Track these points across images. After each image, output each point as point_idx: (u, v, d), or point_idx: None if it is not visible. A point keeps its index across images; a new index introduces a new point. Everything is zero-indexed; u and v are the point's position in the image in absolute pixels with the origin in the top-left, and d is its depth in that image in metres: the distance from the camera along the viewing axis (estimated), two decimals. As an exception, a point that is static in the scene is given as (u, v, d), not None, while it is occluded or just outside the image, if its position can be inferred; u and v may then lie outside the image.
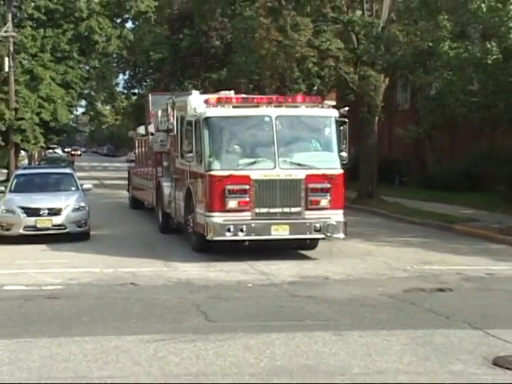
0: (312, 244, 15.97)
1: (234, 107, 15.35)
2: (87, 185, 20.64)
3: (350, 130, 15.80)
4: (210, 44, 45.79)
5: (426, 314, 10.33)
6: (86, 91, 49.48)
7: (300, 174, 14.73)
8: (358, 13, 29.83)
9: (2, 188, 20.29)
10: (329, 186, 14.87)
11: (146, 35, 47.76)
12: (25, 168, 26.16)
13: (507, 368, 7.76)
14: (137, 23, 51.42)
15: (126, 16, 48.22)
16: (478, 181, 29.02)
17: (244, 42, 32.56)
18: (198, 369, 7.74)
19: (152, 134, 21.63)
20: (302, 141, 15.66)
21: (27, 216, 17.74)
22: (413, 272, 13.84)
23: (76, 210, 18.26)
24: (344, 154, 15.43)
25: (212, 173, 14.64)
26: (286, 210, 14.64)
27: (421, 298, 11.35)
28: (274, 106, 15.44)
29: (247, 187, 14.50)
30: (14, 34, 39.29)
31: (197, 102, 15.98)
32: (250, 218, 14.53)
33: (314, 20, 29.76)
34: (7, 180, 30.86)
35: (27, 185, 19.55)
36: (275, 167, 14.68)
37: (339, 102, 29.33)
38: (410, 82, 30.06)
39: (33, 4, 43.07)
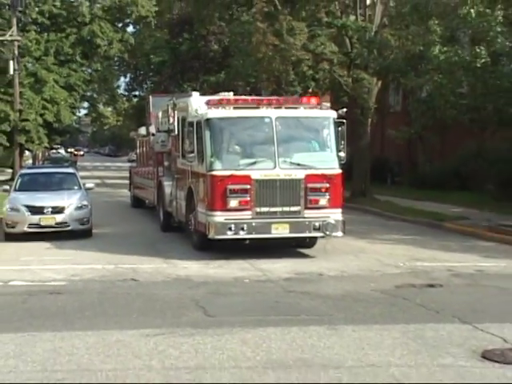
0: (311, 242, 15.90)
1: (234, 108, 15.26)
2: (89, 184, 20.62)
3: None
4: (209, 48, 45.81)
5: (417, 309, 10.34)
6: (88, 93, 49.45)
7: (299, 174, 14.65)
8: (352, 18, 29.82)
9: (7, 187, 20.34)
10: (327, 185, 14.78)
11: (147, 39, 47.79)
12: (29, 168, 26.19)
13: (495, 361, 7.77)
14: (137, 27, 51.39)
15: (127, 21, 48.14)
16: (467, 180, 29.06)
17: (241, 46, 32.62)
18: (196, 362, 7.75)
19: (153, 135, 21.56)
20: (302, 141, 15.59)
21: (31, 214, 17.72)
22: (404, 268, 13.85)
23: (79, 208, 18.25)
24: (342, 154, 15.38)
25: (213, 173, 14.54)
26: (286, 209, 14.56)
27: (412, 294, 11.35)
28: (274, 108, 15.37)
29: (248, 187, 14.40)
30: (19, 38, 39.22)
31: (198, 104, 15.88)
32: (250, 217, 14.44)
33: (309, 25, 29.78)
34: (12, 179, 30.80)
35: (31, 184, 19.51)
36: (275, 167, 14.60)
37: (333, 105, 29.29)
38: (402, 84, 30.03)
39: (37, 9, 43.00)
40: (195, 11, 39.25)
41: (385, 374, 7.35)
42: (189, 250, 15.93)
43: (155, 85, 50.79)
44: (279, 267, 13.78)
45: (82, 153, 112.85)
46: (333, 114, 15.60)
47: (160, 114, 20.49)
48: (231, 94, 17.90)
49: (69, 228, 17.98)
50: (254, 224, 14.43)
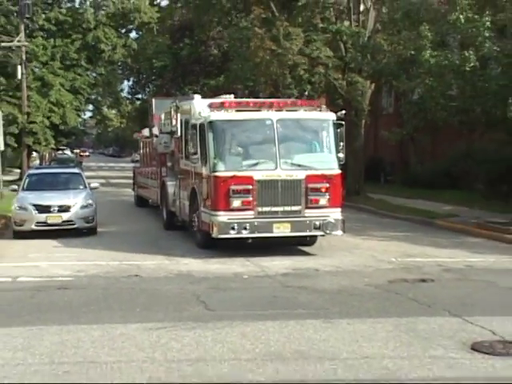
0: (311, 241, 15.82)
1: (236, 111, 15.13)
2: (94, 184, 20.58)
3: (339, 132, 15.73)
4: (209, 52, 45.75)
5: (410, 303, 10.34)
6: (93, 96, 49.44)
7: (300, 175, 14.57)
8: (346, 23, 29.86)
9: (16, 187, 20.32)
10: (327, 185, 14.69)
11: (149, 44, 47.70)
12: (36, 168, 26.11)
13: (484, 352, 7.78)
14: (140, 33, 51.33)
15: (131, 26, 48.15)
16: (457, 179, 29.04)
17: (240, 51, 32.56)
18: (198, 354, 7.75)
19: (156, 136, 21.44)
20: (302, 143, 15.49)
21: (39, 213, 17.72)
22: (397, 264, 13.85)
23: (84, 207, 18.25)
24: (341, 154, 15.33)
25: (217, 174, 14.44)
26: (287, 208, 14.49)
27: (404, 288, 11.35)
28: (275, 110, 15.25)
29: (250, 187, 14.32)
30: (26, 43, 39.22)
31: (201, 106, 15.69)
32: (253, 216, 14.36)
33: (305, 30, 29.81)
34: (20, 179, 30.76)
35: (39, 183, 19.50)
36: (277, 168, 14.51)
37: (328, 107, 29.27)
38: (394, 87, 30.05)
39: (44, 16, 43.04)
40: (196, 17, 39.23)
41: (378, 365, 7.36)
42: (191, 247, 15.90)
43: (157, 88, 50.70)
44: (277, 263, 13.77)
45: (87, 154, 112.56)
46: (332, 117, 15.50)
47: (163, 116, 20.42)
48: (232, 96, 17.83)
49: (74, 226, 17.99)
50: (256, 223, 14.35)
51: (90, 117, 65.91)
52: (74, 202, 18.17)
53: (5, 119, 32.93)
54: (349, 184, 28.82)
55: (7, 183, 29.23)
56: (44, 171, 22.29)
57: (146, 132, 25.47)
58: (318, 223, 14.58)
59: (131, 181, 29.63)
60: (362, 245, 16.43)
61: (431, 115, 21.98)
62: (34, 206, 17.82)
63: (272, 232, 14.53)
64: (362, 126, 29.52)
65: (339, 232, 14.89)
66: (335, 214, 14.80)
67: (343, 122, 15.68)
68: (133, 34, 50.54)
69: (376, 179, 35.86)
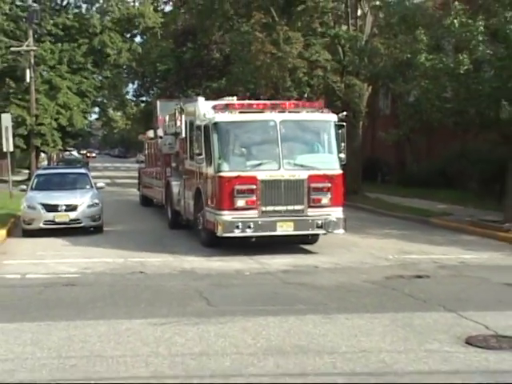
0: (313, 239, 15.77)
1: (240, 113, 15.04)
2: (100, 183, 20.58)
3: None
4: (211, 56, 45.72)
5: (406, 299, 10.34)
6: (99, 99, 49.51)
7: (303, 175, 14.50)
8: (344, 28, 29.86)
9: (24, 187, 20.37)
10: (329, 185, 14.63)
11: (153, 48, 47.67)
12: (44, 168, 26.15)
13: (478, 346, 7.79)
14: (145, 38, 51.33)
15: (135, 31, 48.22)
16: (452, 179, 29.03)
17: (241, 55, 32.55)
18: (201, 349, 7.75)
19: (161, 138, 21.38)
20: (305, 143, 15.42)
21: (47, 211, 17.73)
22: (394, 261, 13.86)
23: (90, 206, 18.26)
24: (342, 155, 15.27)
25: (221, 174, 14.38)
26: (290, 207, 14.42)
27: (401, 284, 11.36)
28: (278, 112, 15.16)
29: (254, 187, 14.26)
30: (35, 48, 39.19)
31: (205, 108, 15.63)
32: (256, 215, 14.30)
33: (304, 34, 29.83)
34: (29, 179, 30.77)
35: (47, 183, 19.51)
36: (280, 168, 14.44)
37: (327, 108, 29.31)
38: (391, 89, 30.01)
39: (51, 21, 43.10)
40: (198, 22, 39.21)
41: (376, 359, 7.36)
42: (194, 245, 15.88)
43: (161, 91, 50.67)
44: (278, 261, 13.76)
45: (94, 154, 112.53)
46: (333, 118, 15.41)
47: (167, 118, 20.39)
48: (235, 98, 17.78)
49: (81, 225, 17.99)
50: (260, 222, 14.29)
51: (97, 119, 66.03)
52: (81, 202, 18.18)
53: (14, 121, 32.98)
54: (347, 183, 28.83)
55: (16, 183, 29.23)
56: (52, 171, 22.30)
57: (150, 133, 25.45)
58: (320, 222, 14.52)
59: (136, 181, 29.62)
60: (360, 243, 16.42)
61: (427, 117, 21.93)
62: (42, 205, 17.83)
63: (275, 231, 14.47)
64: (360, 127, 29.51)
65: (341, 230, 14.82)
66: (337, 212, 14.74)
67: (344, 123, 15.60)
68: (137, 39, 50.68)
69: (373, 179, 35.85)
